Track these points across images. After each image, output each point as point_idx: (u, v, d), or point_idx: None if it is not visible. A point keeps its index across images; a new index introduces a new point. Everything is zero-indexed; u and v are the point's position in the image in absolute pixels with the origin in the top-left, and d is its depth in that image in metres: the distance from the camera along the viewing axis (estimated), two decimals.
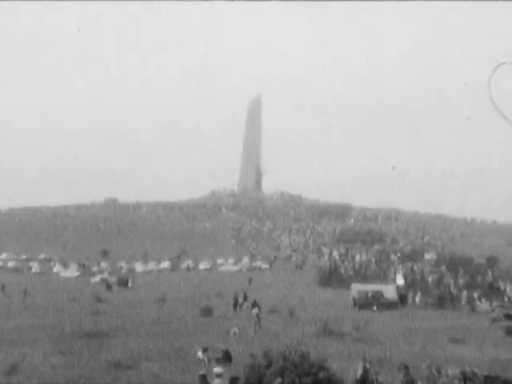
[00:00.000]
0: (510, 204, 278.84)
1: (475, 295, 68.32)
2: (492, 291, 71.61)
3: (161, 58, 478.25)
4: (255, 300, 54.51)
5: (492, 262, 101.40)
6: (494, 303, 61.83)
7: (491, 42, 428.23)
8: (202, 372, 19.85)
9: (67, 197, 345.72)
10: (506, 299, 66.09)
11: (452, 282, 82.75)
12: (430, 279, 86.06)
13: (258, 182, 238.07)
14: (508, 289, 72.92)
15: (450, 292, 73.16)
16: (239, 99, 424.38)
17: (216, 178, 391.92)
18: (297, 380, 21.69)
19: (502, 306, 56.20)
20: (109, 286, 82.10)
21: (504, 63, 15.92)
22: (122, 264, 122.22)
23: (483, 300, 65.65)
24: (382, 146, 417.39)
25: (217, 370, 20.10)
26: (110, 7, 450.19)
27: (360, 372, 24.19)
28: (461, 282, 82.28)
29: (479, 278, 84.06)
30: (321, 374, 22.08)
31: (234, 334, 40.77)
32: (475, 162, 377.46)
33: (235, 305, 57.63)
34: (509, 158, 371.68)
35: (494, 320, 44.40)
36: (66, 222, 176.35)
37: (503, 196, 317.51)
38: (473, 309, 62.33)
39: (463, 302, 67.39)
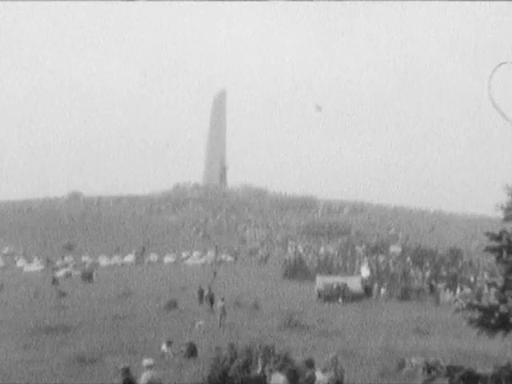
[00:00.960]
0: (474, 196, 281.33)
1: (439, 286, 68.75)
2: (456, 282, 72.10)
3: (125, 51, 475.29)
4: (213, 293, 54.83)
5: (456, 253, 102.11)
6: (458, 293, 62.30)
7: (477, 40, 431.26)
8: (125, 365, 19.47)
9: (31, 191, 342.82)
10: (469, 290, 66.56)
11: (417, 273, 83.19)
12: (394, 271, 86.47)
13: (223, 176, 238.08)
14: (472, 280, 73.46)
15: (415, 284, 73.57)
16: (205, 93, 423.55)
17: (180, 172, 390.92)
18: (261, 373, 21.66)
19: (465, 297, 56.65)
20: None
21: (504, 63, 15.87)
22: (86, 258, 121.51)
23: (447, 291, 66.10)
24: (346, 139, 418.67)
25: (147, 361, 19.76)
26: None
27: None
28: (425, 273, 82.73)
29: (444, 270, 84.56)
30: (285, 367, 22.06)
31: (199, 327, 40.65)
32: (439, 155, 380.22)
33: (201, 298, 57.42)
34: (473, 150, 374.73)
35: (457, 310, 44.59)
36: (30, 217, 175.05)
37: (467, 188, 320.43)
38: (437, 300, 62.73)
39: (427, 293, 67.78)
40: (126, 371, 19.02)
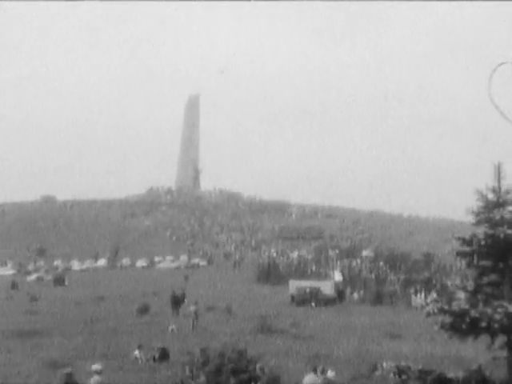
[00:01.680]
0: (446, 201, 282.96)
1: (411, 291, 68.93)
2: (428, 287, 72.39)
3: (95, 54, 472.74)
4: (180, 295, 54.81)
5: (428, 257, 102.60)
6: (429, 298, 62.56)
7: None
8: (68, 370, 19.37)
9: (3, 195, 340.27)
10: (435, 295, 66.74)
11: (389, 277, 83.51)
12: (367, 275, 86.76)
13: (196, 180, 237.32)
14: (444, 284, 73.76)
15: (388, 288, 73.81)
16: (179, 96, 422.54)
17: (154, 175, 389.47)
18: (234, 377, 21.64)
19: (436, 301, 56.76)
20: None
21: (504, 63, 15.98)
22: (59, 262, 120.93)
23: (418, 295, 66.33)
24: (321, 144, 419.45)
25: (95, 366, 19.66)
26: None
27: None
28: (398, 277, 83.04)
29: (416, 274, 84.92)
30: (258, 371, 22.09)
31: (172, 331, 40.56)
32: (412, 160, 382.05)
33: (173, 303, 56.93)
34: (445, 156, 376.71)
35: (429, 314, 44.79)
36: (2, 221, 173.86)
37: (439, 193, 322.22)
38: (409, 304, 62.92)
39: (399, 297, 67.97)
40: (69, 376, 18.93)
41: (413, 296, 66.00)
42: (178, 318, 47.56)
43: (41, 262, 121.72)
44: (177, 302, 54.43)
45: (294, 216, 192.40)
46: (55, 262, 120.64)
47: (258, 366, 22.38)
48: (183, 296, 59.00)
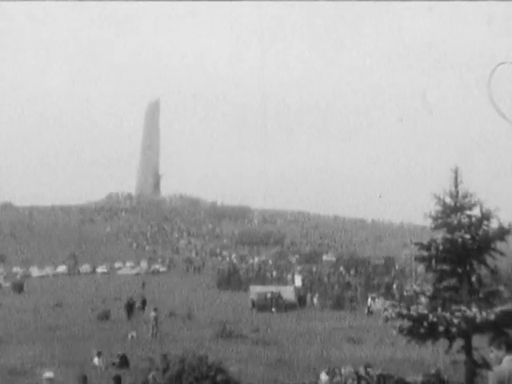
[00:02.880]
0: (406, 206, 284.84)
1: (372, 295, 69.20)
2: (388, 291, 72.90)
3: (56, 54, 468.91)
4: (141, 301, 54.62)
5: (389, 262, 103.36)
6: (388, 302, 62.92)
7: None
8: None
9: None
10: (385, 300, 67.10)
11: (350, 282, 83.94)
12: (328, 280, 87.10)
13: (156, 185, 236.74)
14: (403, 288, 74.28)
15: (348, 293, 74.20)
16: (138, 101, 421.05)
17: (113, 182, 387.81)
18: (195, 383, 21.60)
19: (393, 306, 57.02)
20: None
21: (503, 63, 16.07)
22: (17, 269, 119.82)
23: (377, 300, 66.71)
24: (283, 147, 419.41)
25: (47, 374, 19.52)
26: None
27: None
28: (359, 282, 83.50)
29: (377, 279, 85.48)
30: (219, 377, 22.06)
31: (132, 338, 40.36)
32: (372, 164, 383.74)
33: (129, 310, 56.29)
34: (406, 158, 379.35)
35: (387, 319, 45.04)
36: None
37: (400, 198, 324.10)
38: (368, 309, 63.21)
39: (360, 302, 68.30)
40: None
41: (370, 300, 66.08)
42: (138, 325, 47.34)
43: None
44: (131, 308, 54.44)
45: (254, 221, 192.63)
46: (14, 269, 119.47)
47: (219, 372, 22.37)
48: (144, 302, 58.83)
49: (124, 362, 30.81)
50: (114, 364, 30.57)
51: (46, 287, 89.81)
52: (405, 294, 17.08)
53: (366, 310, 62.14)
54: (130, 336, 40.63)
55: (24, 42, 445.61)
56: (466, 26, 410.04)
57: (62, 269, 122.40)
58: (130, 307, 55.82)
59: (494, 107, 15.53)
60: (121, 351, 31.96)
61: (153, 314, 44.64)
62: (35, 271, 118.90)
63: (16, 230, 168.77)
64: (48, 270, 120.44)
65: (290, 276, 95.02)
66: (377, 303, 65.07)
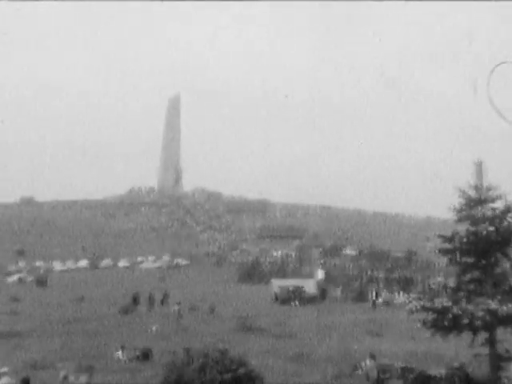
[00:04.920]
0: (427, 199, 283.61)
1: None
2: (410, 284, 72.63)
3: (78, 52, 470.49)
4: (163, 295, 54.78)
5: (410, 255, 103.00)
6: (411, 295, 62.69)
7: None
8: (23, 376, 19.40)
9: None
10: (414, 293, 66.89)
11: (371, 275, 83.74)
12: (350, 273, 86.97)
13: (178, 180, 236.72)
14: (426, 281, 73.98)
15: (370, 286, 73.97)
16: (159, 97, 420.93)
17: (135, 176, 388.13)
18: (218, 376, 21.61)
19: (418, 299, 56.85)
20: None
21: (504, 63, 16.02)
22: (40, 263, 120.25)
23: (401, 293, 66.48)
24: (303, 141, 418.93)
25: (2, 369, 19.60)
26: None
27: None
28: (380, 275, 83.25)
29: (398, 272, 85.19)
30: (241, 370, 22.06)
31: (154, 331, 40.45)
32: (394, 158, 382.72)
33: (151, 304, 56.71)
34: (427, 153, 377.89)
35: (411, 312, 44.87)
36: None
37: (421, 192, 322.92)
38: (374, 302, 62.32)
39: (383, 296, 67.89)
40: (25, 381, 18.91)
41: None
42: (161, 318, 47.46)
43: (22, 263, 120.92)
44: (152, 302, 55.05)
45: (276, 215, 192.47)
46: (37, 263, 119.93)
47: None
48: (165, 296, 59.11)
49: (146, 355, 30.92)
50: (137, 357, 30.69)
51: (68, 281, 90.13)
52: (431, 286, 16.95)
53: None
54: (152, 330, 40.73)
55: (44, 40, 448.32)
56: (474, 23, 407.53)
57: (83, 263, 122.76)
58: (150, 301, 56.26)
59: (492, 107, 15.46)
60: (143, 345, 32.06)
61: (176, 307, 44.78)
62: (57, 265, 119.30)
63: (38, 224, 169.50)
64: (70, 265, 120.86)
65: (311, 269, 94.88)
66: (400, 296, 64.89)
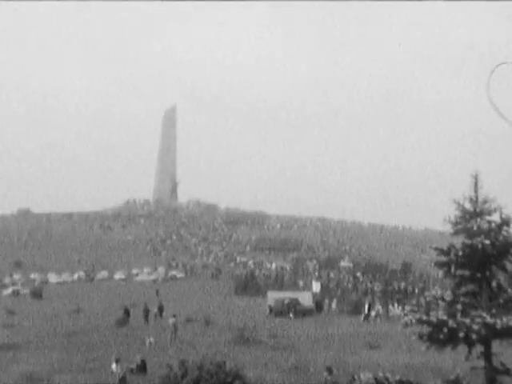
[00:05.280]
0: (423, 211, 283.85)
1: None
2: (406, 296, 72.64)
3: (82, 63, 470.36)
4: (159, 307, 54.69)
5: (406, 267, 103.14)
6: (407, 308, 62.62)
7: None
8: None
9: None
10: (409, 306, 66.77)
11: (367, 288, 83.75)
12: (346, 286, 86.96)
13: (174, 192, 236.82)
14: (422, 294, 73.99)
15: (366, 298, 73.93)
16: (155, 108, 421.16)
17: (131, 188, 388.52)
18: None
19: (414, 311, 56.79)
20: None
21: (504, 63, 16.05)
22: (35, 275, 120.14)
23: (396, 305, 66.45)
24: (300, 153, 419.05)
25: None
26: None
27: None
28: (376, 288, 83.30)
29: (394, 284, 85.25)
30: (236, 383, 22.02)
31: (150, 344, 40.35)
32: (392, 170, 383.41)
33: (146, 316, 56.59)
34: (426, 165, 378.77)
35: (406, 325, 44.77)
36: None
37: (416, 203, 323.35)
38: (365, 316, 62.30)
39: (376, 309, 67.80)
40: None
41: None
42: (156, 331, 47.37)
43: (17, 275, 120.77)
44: (146, 312, 55.03)
45: (271, 227, 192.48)
46: (32, 275, 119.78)
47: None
48: (161, 309, 59.04)
49: (142, 367, 30.82)
50: (132, 370, 30.58)
51: (64, 293, 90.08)
52: (426, 299, 16.84)
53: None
54: (147, 342, 40.63)
55: (39, 50, 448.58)
56: (477, 25, 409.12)
57: (79, 275, 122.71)
58: (146, 313, 56.16)
59: (493, 107, 15.48)
60: (138, 357, 31.96)
61: (172, 320, 44.67)
62: (53, 277, 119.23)
63: (34, 236, 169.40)
64: (65, 277, 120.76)
65: (307, 282, 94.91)
66: (395, 309, 64.85)
